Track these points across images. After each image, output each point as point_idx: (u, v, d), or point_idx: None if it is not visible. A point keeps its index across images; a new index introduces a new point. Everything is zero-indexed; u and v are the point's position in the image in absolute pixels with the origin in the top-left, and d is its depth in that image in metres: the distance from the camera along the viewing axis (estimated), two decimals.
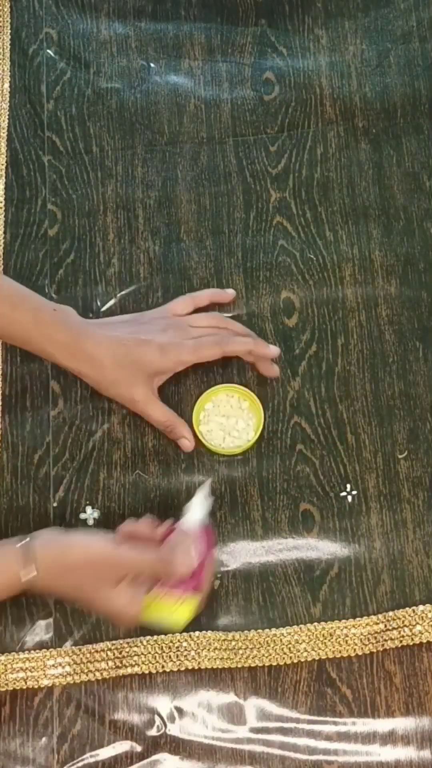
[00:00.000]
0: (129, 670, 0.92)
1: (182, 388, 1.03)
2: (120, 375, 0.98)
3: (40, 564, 0.87)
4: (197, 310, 1.05)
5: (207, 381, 1.02)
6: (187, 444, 0.99)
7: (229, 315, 1.06)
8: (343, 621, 0.94)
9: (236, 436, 1.00)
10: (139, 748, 0.91)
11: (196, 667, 0.92)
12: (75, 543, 0.89)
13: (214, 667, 0.92)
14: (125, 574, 0.88)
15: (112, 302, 1.08)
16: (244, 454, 1.00)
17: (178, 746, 0.91)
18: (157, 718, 0.91)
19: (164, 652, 0.93)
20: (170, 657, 0.93)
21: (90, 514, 0.98)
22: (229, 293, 1.06)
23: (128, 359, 0.98)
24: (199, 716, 0.91)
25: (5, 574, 0.87)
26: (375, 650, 0.93)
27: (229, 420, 1.01)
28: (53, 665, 0.93)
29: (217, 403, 1.01)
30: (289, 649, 0.93)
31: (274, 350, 1.02)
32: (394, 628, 0.93)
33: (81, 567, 0.88)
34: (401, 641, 0.93)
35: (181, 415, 1.00)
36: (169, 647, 0.93)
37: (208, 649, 0.93)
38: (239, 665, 0.93)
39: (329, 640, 0.93)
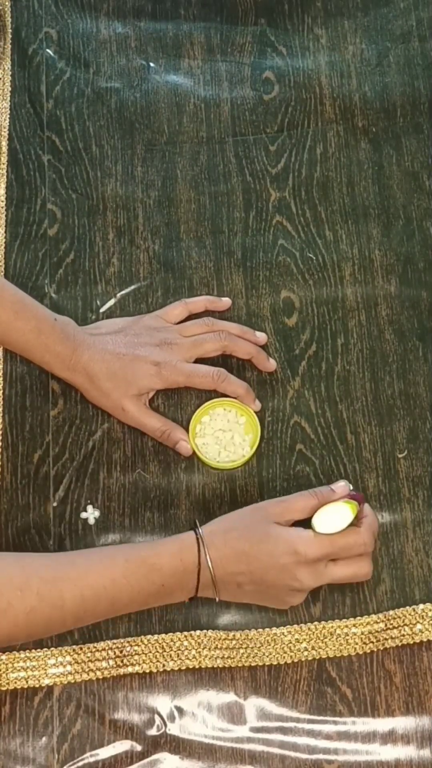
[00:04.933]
0: (129, 669, 0.92)
1: (180, 400, 1.03)
2: (111, 386, 0.99)
3: (207, 538, 0.88)
4: (192, 316, 1.05)
5: (205, 393, 1.02)
6: (186, 446, 0.99)
7: (229, 315, 1.06)
8: (343, 620, 0.94)
9: (232, 451, 1.00)
10: (139, 748, 0.91)
11: (197, 667, 0.92)
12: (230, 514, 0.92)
13: (215, 666, 0.92)
14: (290, 518, 0.90)
15: (111, 302, 1.08)
16: (238, 469, 1.00)
17: (178, 746, 0.91)
18: (157, 717, 0.91)
19: (164, 651, 0.93)
20: (170, 656, 0.93)
21: (91, 513, 0.98)
22: (225, 302, 1.06)
23: (122, 372, 0.99)
24: (199, 716, 0.91)
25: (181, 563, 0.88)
26: (375, 649, 0.93)
27: (225, 434, 1.00)
28: (54, 664, 0.93)
29: (214, 416, 1.01)
30: (290, 648, 0.93)
31: (272, 364, 1.03)
32: (394, 627, 0.93)
33: (244, 515, 0.91)
34: (401, 640, 0.93)
35: None
36: (170, 646, 0.93)
37: (209, 648, 0.93)
38: (239, 664, 0.93)
39: (329, 640, 0.93)
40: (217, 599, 0.91)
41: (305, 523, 0.90)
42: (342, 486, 0.91)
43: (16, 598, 0.82)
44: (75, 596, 0.85)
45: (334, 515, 0.88)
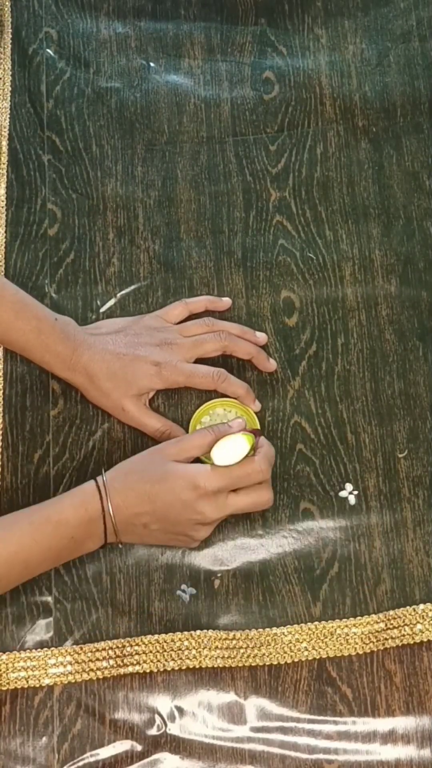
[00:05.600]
0: (130, 669, 0.92)
1: (180, 400, 1.03)
2: (112, 386, 0.99)
3: (108, 483, 0.90)
4: (192, 316, 1.05)
5: (205, 393, 1.02)
6: None
7: (229, 315, 1.06)
8: (344, 620, 0.94)
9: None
10: (139, 748, 0.91)
11: (197, 666, 0.93)
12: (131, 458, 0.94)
13: (215, 666, 0.93)
14: (188, 456, 0.92)
15: (112, 302, 1.08)
16: None
17: (179, 745, 0.91)
18: (157, 717, 0.91)
19: (165, 651, 0.93)
20: (171, 656, 0.93)
21: None
22: (225, 302, 1.07)
23: (122, 372, 0.99)
24: (199, 715, 0.91)
25: (83, 511, 0.90)
26: (375, 649, 0.93)
27: None
28: (54, 664, 0.93)
29: (214, 416, 1.01)
30: (290, 648, 0.93)
31: (272, 365, 1.03)
32: (394, 627, 0.93)
33: (142, 458, 0.92)
34: (401, 640, 0.93)
35: None
36: (170, 646, 0.93)
37: (209, 648, 0.93)
38: (239, 664, 0.93)
39: (329, 639, 0.93)
40: (120, 545, 0.93)
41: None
42: (238, 422, 0.93)
43: None
44: None
45: (231, 447, 0.91)
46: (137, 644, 0.93)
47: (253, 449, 0.92)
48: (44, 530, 0.89)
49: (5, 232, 1.10)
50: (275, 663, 0.93)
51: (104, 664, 0.93)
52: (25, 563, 0.89)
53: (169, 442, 0.94)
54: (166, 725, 0.91)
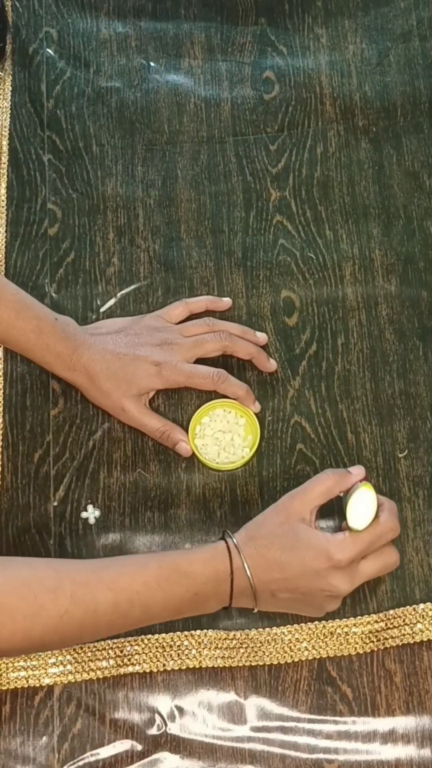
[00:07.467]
0: (130, 669, 0.92)
1: (180, 401, 1.03)
2: (112, 386, 0.99)
3: (241, 544, 0.87)
4: (193, 316, 1.05)
5: (206, 394, 1.02)
6: (185, 447, 0.99)
7: (230, 315, 1.06)
8: (344, 620, 0.94)
9: (231, 452, 1.00)
10: (139, 747, 0.91)
11: (197, 666, 0.93)
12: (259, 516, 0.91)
13: (215, 666, 0.93)
14: (314, 507, 0.88)
15: (112, 301, 1.08)
16: (238, 470, 1.00)
17: (179, 745, 0.91)
18: (157, 717, 0.91)
19: (165, 650, 0.93)
20: (171, 656, 0.93)
21: (91, 513, 0.98)
22: (226, 302, 1.07)
23: (122, 372, 0.99)
24: (199, 715, 0.91)
25: (215, 570, 0.86)
26: (375, 649, 0.93)
27: (224, 435, 1.00)
28: (54, 664, 0.93)
29: (214, 417, 1.01)
30: (290, 647, 0.93)
31: (273, 365, 1.03)
32: (394, 627, 0.93)
33: (267, 520, 0.88)
34: (402, 640, 0.93)
35: None
36: (170, 646, 0.93)
37: (209, 648, 0.93)
38: (240, 664, 0.93)
39: (330, 639, 0.93)
40: (255, 609, 0.90)
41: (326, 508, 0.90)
42: (359, 468, 0.91)
43: (49, 601, 0.80)
44: (108, 600, 0.83)
45: (360, 504, 0.87)
46: (137, 644, 0.93)
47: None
48: (170, 577, 0.85)
49: (5, 231, 1.10)
50: (275, 663, 0.93)
51: (104, 663, 0.93)
52: (146, 606, 0.85)
53: (290, 498, 0.89)
54: (166, 725, 0.91)
